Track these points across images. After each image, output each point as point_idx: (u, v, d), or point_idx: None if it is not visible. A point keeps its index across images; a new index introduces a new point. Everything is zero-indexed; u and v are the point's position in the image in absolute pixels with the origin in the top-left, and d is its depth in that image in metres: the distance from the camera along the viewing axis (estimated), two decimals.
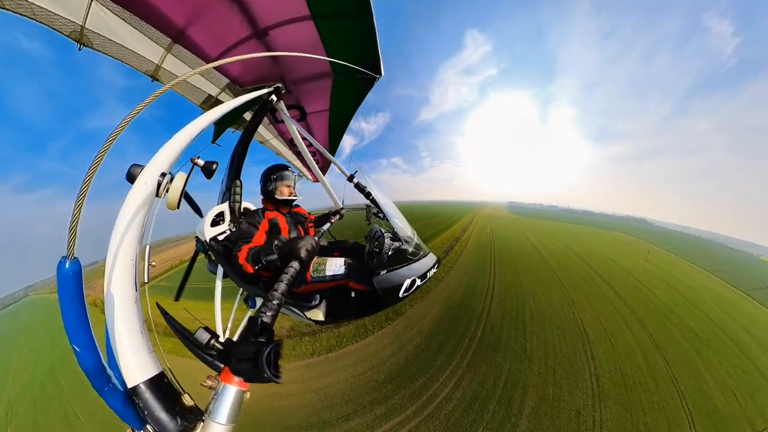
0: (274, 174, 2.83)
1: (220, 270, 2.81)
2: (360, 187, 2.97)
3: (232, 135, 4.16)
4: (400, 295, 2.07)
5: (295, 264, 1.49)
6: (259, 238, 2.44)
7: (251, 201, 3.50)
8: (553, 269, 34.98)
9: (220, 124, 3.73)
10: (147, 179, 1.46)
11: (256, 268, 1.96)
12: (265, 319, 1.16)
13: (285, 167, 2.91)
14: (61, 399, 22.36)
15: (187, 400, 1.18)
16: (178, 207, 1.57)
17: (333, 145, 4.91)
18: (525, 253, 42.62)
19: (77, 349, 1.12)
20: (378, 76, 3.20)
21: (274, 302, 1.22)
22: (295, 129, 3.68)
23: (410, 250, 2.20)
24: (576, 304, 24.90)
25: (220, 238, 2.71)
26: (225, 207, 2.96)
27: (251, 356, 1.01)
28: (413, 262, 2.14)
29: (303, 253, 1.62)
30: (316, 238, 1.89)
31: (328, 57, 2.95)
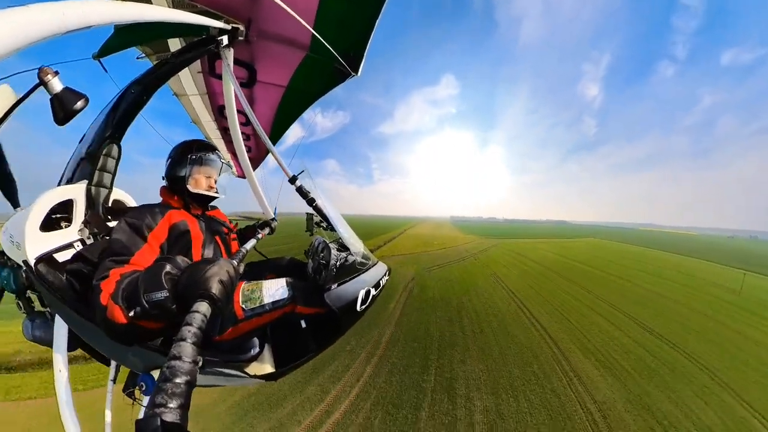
0: (193, 152, 2.12)
1: (59, 331, 1.83)
2: (303, 192, 2.61)
3: (134, 63, 3.19)
4: (358, 309, 1.99)
5: (203, 306, 1.01)
6: (146, 255, 1.63)
7: (128, 190, 2.60)
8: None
9: (125, 35, 2.78)
10: None
11: (131, 315, 1.24)
12: (169, 417, 0.71)
13: (211, 147, 2.26)
14: None
15: None
16: None
17: (275, 134, 4.28)
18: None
19: None
20: (353, 74, 3.15)
21: (177, 380, 0.77)
22: (233, 94, 3.07)
23: (359, 260, 2.14)
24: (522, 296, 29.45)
25: (63, 257, 1.82)
26: (77, 192, 2.05)
27: None
28: (364, 272, 2.10)
29: (215, 287, 1.10)
30: (234, 261, 1.33)
31: (314, 29, 2.67)
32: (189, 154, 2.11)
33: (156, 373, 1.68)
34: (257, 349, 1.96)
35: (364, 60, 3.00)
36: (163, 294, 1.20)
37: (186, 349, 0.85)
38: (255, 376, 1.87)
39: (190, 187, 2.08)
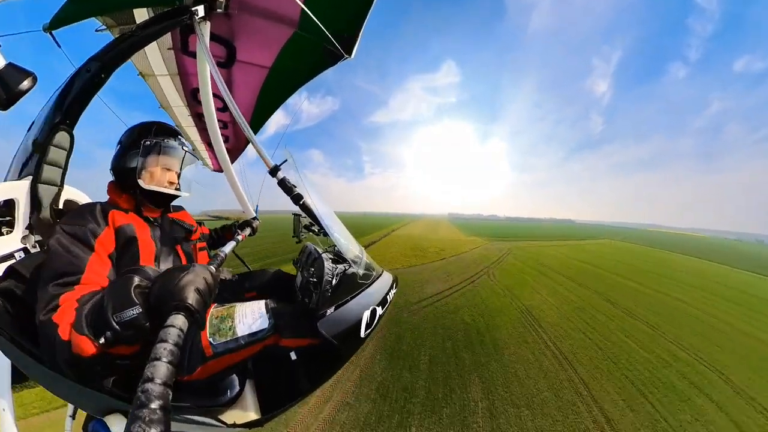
0: (147, 137, 1.77)
1: (1, 362, 1.60)
2: (287, 187, 2.17)
3: (93, 36, 2.81)
4: (362, 335, 1.68)
5: (178, 320, 0.92)
6: (99, 271, 1.39)
7: (84, 188, 2.29)
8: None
9: (82, 3, 2.42)
10: None
11: (102, 342, 1.10)
12: None
13: (171, 131, 1.91)
14: None
15: None
16: None
17: (256, 121, 3.98)
18: None
19: None
20: (346, 57, 2.91)
21: (153, 405, 0.70)
22: (209, 75, 2.77)
23: (361, 272, 1.81)
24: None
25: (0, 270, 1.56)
26: (20, 191, 1.79)
27: None
28: (367, 287, 1.78)
29: (191, 297, 1.01)
30: (211, 267, 1.20)
31: (304, 4, 2.43)
32: (143, 138, 1.76)
33: (111, 419, 1.44)
34: (236, 389, 1.70)
35: (359, 41, 2.76)
36: (135, 311, 1.08)
37: (160, 369, 0.77)
38: (234, 425, 1.57)
39: (143, 182, 1.73)
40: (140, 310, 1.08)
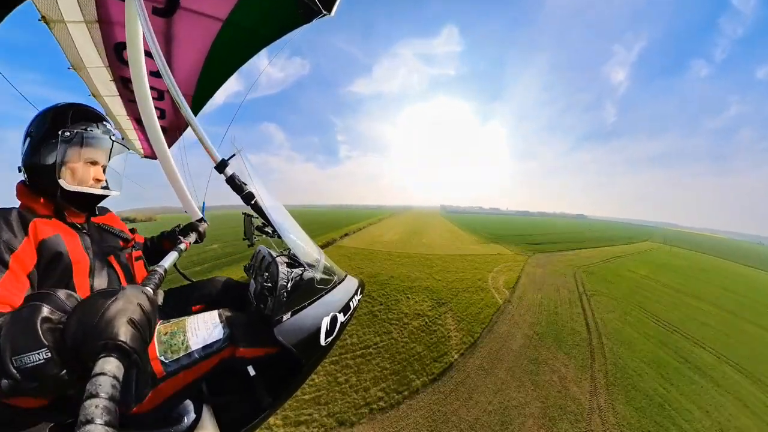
0: (65, 126, 1.56)
1: None
2: (236, 184, 1.99)
3: None
4: (323, 342, 1.72)
5: (109, 364, 0.78)
6: (11, 289, 1.21)
7: None
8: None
9: None
10: None
11: None
12: None
13: (94, 115, 1.70)
14: None
15: None
16: None
17: (203, 91, 3.35)
18: None
19: None
20: (324, 14, 2.59)
21: None
22: (140, 26, 2.21)
23: (318, 276, 1.83)
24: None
25: None
26: None
27: None
28: (327, 293, 1.83)
29: (123, 332, 0.85)
30: (147, 289, 1.05)
31: None
32: (61, 128, 1.54)
33: None
34: (192, 416, 1.60)
35: None
36: (42, 354, 0.88)
37: None
38: None
39: (65, 183, 1.54)
40: (49, 354, 0.87)
